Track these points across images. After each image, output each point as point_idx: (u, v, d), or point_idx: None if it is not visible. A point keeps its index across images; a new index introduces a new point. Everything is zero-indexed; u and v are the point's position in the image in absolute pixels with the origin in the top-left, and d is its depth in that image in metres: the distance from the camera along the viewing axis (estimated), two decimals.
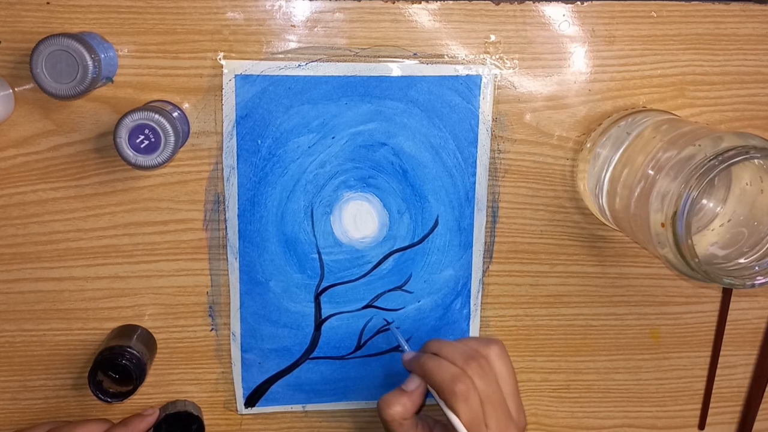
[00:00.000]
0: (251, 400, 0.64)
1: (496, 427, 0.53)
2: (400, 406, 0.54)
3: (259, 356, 0.63)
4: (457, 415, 0.52)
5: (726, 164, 0.48)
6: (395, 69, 0.59)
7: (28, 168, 0.57)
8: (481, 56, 0.59)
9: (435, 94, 0.59)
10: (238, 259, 0.61)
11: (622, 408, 0.69)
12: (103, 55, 0.51)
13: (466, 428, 0.52)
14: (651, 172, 0.52)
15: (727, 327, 0.68)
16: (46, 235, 0.58)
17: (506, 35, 0.59)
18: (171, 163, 0.58)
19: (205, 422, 0.63)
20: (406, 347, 0.60)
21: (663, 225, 0.49)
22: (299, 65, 0.58)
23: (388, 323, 0.63)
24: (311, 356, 0.64)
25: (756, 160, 0.50)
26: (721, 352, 0.68)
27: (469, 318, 0.64)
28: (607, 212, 0.58)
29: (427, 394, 0.56)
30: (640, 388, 0.69)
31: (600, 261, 0.65)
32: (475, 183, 0.62)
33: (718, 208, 0.57)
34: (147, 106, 0.52)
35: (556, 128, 0.61)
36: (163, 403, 0.63)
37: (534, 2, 0.59)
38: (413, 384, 0.56)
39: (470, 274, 0.63)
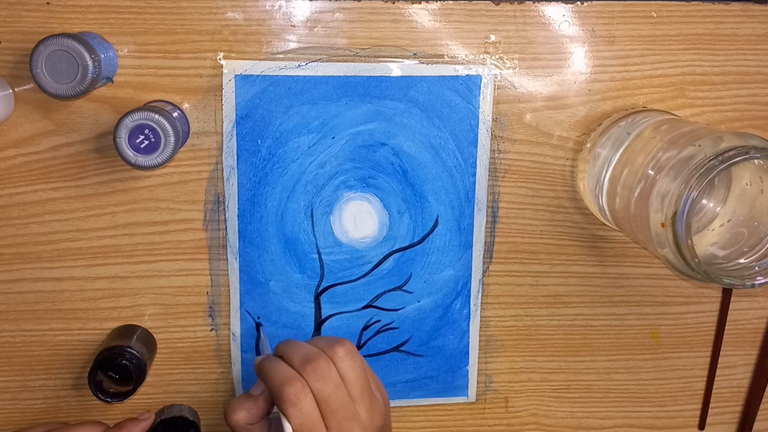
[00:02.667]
0: None
1: (338, 429, 0.51)
2: (245, 411, 0.53)
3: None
4: (289, 422, 0.51)
5: (726, 164, 0.48)
6: (395, 69, 0.59)
7: (28, 168, 0.57)
8: (481, 56, 0.59)
9: (435, 94, 0.59)
10: (238, 259, 0.61)
11: (622, 408, 0.69)
12: (103, 55, 0.51)
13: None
14: (651, 172, 0.52)
15: (727, 327, 0.68)
16: (46, 235, 0.58)
17: (506, 35, 0.59)
18: (171, 163, 0.58)
19: (205, 423, 0.63)
20: (266, 351, 0.58)
21: (663, 225, 0.49)
22: (299, 65, 0.58)
23: (259, 325, 0.62)
24: None
25: (756, 160, 0.50)
26: (721, 352, 0.68)
27: (469, 318, 0.64)
28: (607, 212, 0.58)
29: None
30: (640, 388, 0.69)
31: (600, 261, 0.65)
32: (475, 183, 0.62)
33: (718, 208, 0.57)
34: (147, 106, 0.52)
35: (556, 128, 0.61)
36: (163, 404, 0.63)
37: (534, 2, 0.59)
38: (258, 388, 0.54)
39: (470, 274, 0.63)
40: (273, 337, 0.63)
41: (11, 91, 0.55)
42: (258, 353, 0.63)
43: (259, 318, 0.62)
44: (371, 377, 0.55)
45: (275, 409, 0.53)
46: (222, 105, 0.58)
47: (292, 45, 0.57)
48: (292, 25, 0.57)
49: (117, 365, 0.56)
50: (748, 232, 0.54)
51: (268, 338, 0.62)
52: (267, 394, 0.54)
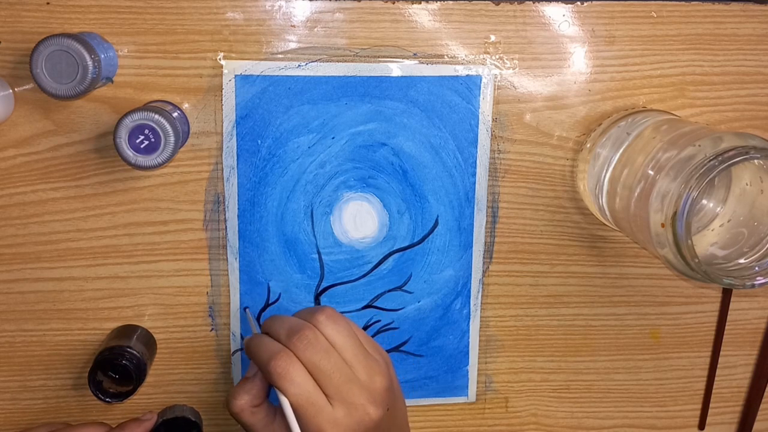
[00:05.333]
0: None
1: (337, 393, 0.50)
2: (245, 394, 0.52)
3: None
4: (285, 396, 0.49)
5: (726, 164, 0.48)
6: (395, 69, 0.59)
7: (28, 168, 0.57)
8: (481, 56, 0.59)
9: (435, 94, 0.59)
10: (238, 259, 0.61)
11: (622, 408, 0.69)
12: (103, 55, 0.51)
13: (294, 406, 0.49)
14: (651, 172, 0.52)
15: (727, 327, 0.68)
16: (46, 235, 0.58)
17: (506, 35, 0.59)
18: (171, 163, 0.58)
19: (205, 423, 0.63)
20: (254, 332, 0.57)
21: (663, 225, 0.49)
22: (299, 65, 0.58)
23: (246, 308, 0.60)
24: None
25: (756, 161, 0.50)
26: (721, 352, 0.68)
27: (469, 318, 0.64)
28: (607, 212, 0.58)
29: None
30: (640, 388, 0.69)
31: (600, 261, 0.65)
32: (475, 183, 0.62)
33: (718, 209, 0.57)
34: (147, 106, 0.52)
35: (556, 128, 0.61)
36: (164, 404, 0.63)
37: (534, 2, 0.59)
38: (253, 369, 0.53)
39: (470, 274, 0.63)
40: None
41: (11, 91, 0.55)
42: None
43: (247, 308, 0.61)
44: (364, 339, 0.54)
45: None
46: (222, 105, 0.58)
47: (292, 45, 0.57)
48: (292, 25, 0.57)
49: (117, 365, 0.56)
50: (748, 232, 0.54)
51: (254, 318, 0.61)
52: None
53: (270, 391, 0.54)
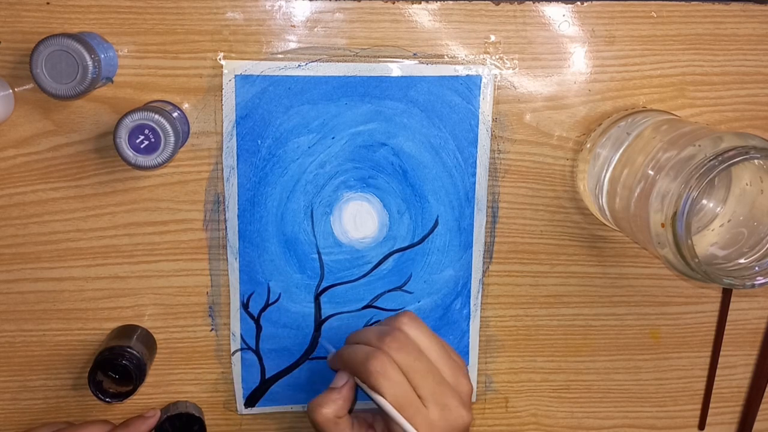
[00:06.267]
0: (251, 400, 0.64)
1: (431, 395, 0.50)
2: (332, 404, 0.52)
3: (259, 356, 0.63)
4: (382, 395, 0.50)
5: (726, 164, 0.48)
6: (395, 69, 0.59)
7: (28, 168, 0.57)
8: (481, 56, 0.59)
9: (435, 94, 0.59)
10: (238, 259, 0.61)
11: (622, 408, 0.69)
12: (103, 55, 0.51)
13: (394, 406, 0.49)
14: (651, 172, 0.52)
15: (727, 327, 0.68)
16: (46, 235, 0.58)
17: (506, 35, 0.59)
18: (171, 163, 0.58)
19: (205, 422, 0.63)
20: (330, 351, 0.58)
21: (663, 225, 0.49)
22: (299, 65, 0.58)
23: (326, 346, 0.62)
24: (311, 356, 0.64)
25: (756, 161, 0.50)
26: (721, 352, 0.68)
27: (469, 318, 0.64)
28: (607, 212, 0.58)
29: (357, 387, 0.53)
30: (640, 388, 0.69)
31: (600, 261, 0.65)
32: (475, 183, 0.62)
33: (718, 209, 0.57)
34: (147, 106, 0.52)
35: (556, 128, 0.61)
36: (164, 404, 0.63)
37: (534, 2, 0.59)
38: (341, 380, 0.53)
39: (470, 274, 0.63)
40: (273, 337, 0.63)
41: (11, 91, 0.55)
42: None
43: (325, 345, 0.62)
44: (444, 342, 0.54)
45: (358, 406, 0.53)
46: (222, 105, 0.58)
47: (292, 45, 0.57)
48: (292, 25, 0.57)
49: (117, 365, 0.56)
50: (748, 232, 0.54)
51: (325, 339, 0.63)
52: (351, 382, 0.53)
53: (354, 403, 0.54)
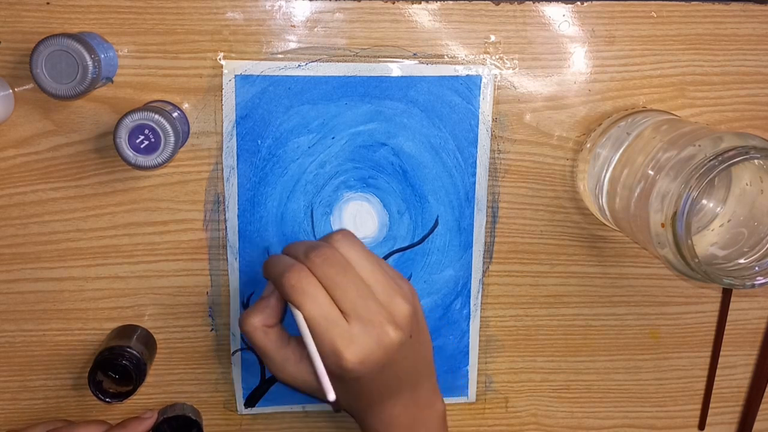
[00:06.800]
0: (251, 400, 0.64)
1: (353, 309, 0.47)
2: (260, 313, 0.50)
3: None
4: (299, 309, 0.47)
5: (726, 164, 0.48)
6: (395, 69, 0.59)
7: (28, 168, 0.57)
8: (481, 56, 0.59)
9: (435, 94, 0.59)
10: (238, 259, 0.61)
11: (622, 408, 0.69)
12: (103, 55, 0.51)
13: (308, 320, 0.47)
14: (651, 172, 0.52)
15: (727, 327, 0.68)
16: (46, 235, 0.58)
17: (506, 35, 0.59)
18: (171, 163, 0.58)
19: (205, 423, 0.63)
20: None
21: (663, 225, 0.49)
22: (299, 65, 0.58)
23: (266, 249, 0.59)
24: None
25: (756, 161, 0.50)
26: (721, 352, 0.68)
27: (469, 318, 0.64)
28: (607, 212, 0.58)
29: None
30: (640, 388, 0.69)
31: (600, 261, 0.65)
32: (475, 183, 0.62)
33: (718, 209, 0.57)
34: (147, 106, 0.52)
35: (556, 128, 0.61)
36: (163, 404, 0.63)
37: (534, 2, 0.59)
38: (269, 288, 0.52)
39: (470, 274, 0.63)
40: None
41: (11, 91, 0.55)
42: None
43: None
44: (385, 265, 0.52)
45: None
46: (222, 105, 0.58)
47: (292, 45, 0.57)
48: (292, 25, 0.57)
49: (117, 365, 0.56)
50: (748, 232, 0.54)
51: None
52: (278, 292, 0.51)
53: (285, 315, 0.52)
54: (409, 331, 0.50)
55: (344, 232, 0.51)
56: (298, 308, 0.48)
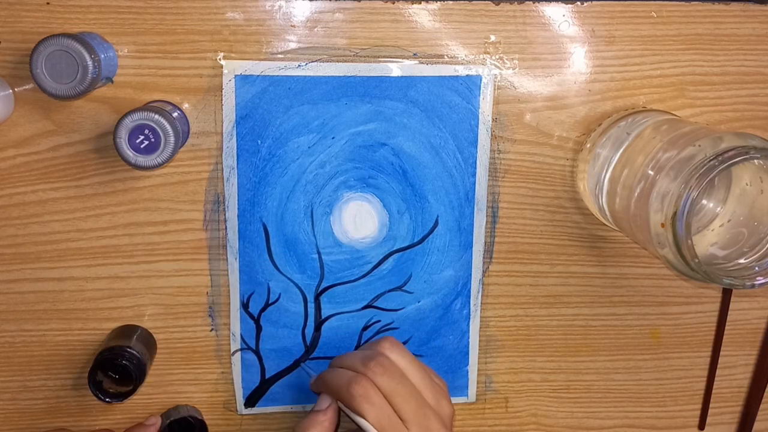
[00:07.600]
0: (251, 400, 0.64)
1: (413, 418, 0.52)
2: (319, 426, 0.53)
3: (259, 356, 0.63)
4: (365, 419, 0.51)
5: (726, 164, 0.48)
6: (395, 69, 0.59)
7: (28, 168, 0.57)
8: (481, 56, 0.59)
9: (435, 94, 0.59)
10: (238, 259, 0.61)
11: (622, 408, 0.69)
12: (103, 55, 0.51)
13: (376, 429, 0.51)
14: (651, 172, 0.52)
15: (727, 327, 0.68)
16: (46, 235, 0.58)
17: (506, 35, 0.59)
18: (171, 163, 0.58)
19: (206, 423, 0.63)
20: (312, 374, 0.59)
21: (663, 225, 0.49)
22: (299, 65, 0.58)
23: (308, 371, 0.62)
24: (311, 356, 0.64)
25: (756, 161, 0.50)
26: (721, 352, 0.68)
27: (469, 318, 0.64)
28: (607, 212, 0.58)
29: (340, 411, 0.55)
30: (640, 388, 0.69)
31: (600, 261, 0.65)
32: (475, 183, 0.62)
33: (718, 209, 0.57)
34: (147, 107, 0.52)
35: (556, 128, 0.61)
36: (164, 404, 0.63)
37: (534, 2, 0.59)
38: (325, 402, 0.54)
39: (470, 275, 0.63)
40: (273, 337, 0.63)
41: (11, 91, 0.55)
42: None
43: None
44: (426, 368, 0.56)
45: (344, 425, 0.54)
46: (222, 105, 0.58)
47: (292, 45, 0.57)
48: (292, 25, 0.57)
49: (117, 365, 0.56)
50: (748, 232, 0.54)
51: (306, 365, 0.63)
52: (335, 405, 0.54)
53: (338, 426, 0.55)
54: (452, 427, 0.55)
55: (391, 341, 0.55)
56: (364, 416, 0.51)
